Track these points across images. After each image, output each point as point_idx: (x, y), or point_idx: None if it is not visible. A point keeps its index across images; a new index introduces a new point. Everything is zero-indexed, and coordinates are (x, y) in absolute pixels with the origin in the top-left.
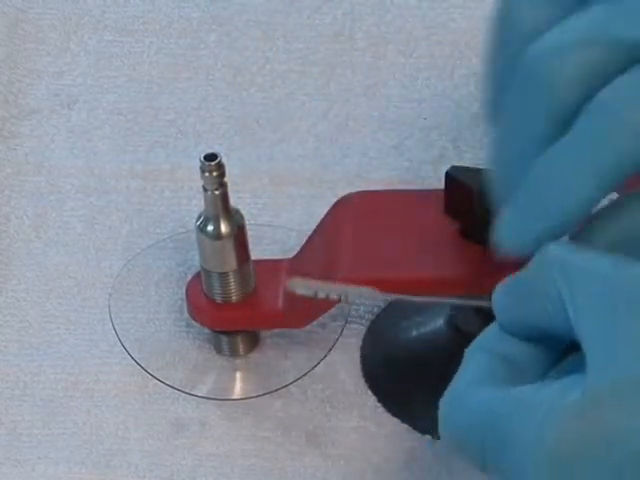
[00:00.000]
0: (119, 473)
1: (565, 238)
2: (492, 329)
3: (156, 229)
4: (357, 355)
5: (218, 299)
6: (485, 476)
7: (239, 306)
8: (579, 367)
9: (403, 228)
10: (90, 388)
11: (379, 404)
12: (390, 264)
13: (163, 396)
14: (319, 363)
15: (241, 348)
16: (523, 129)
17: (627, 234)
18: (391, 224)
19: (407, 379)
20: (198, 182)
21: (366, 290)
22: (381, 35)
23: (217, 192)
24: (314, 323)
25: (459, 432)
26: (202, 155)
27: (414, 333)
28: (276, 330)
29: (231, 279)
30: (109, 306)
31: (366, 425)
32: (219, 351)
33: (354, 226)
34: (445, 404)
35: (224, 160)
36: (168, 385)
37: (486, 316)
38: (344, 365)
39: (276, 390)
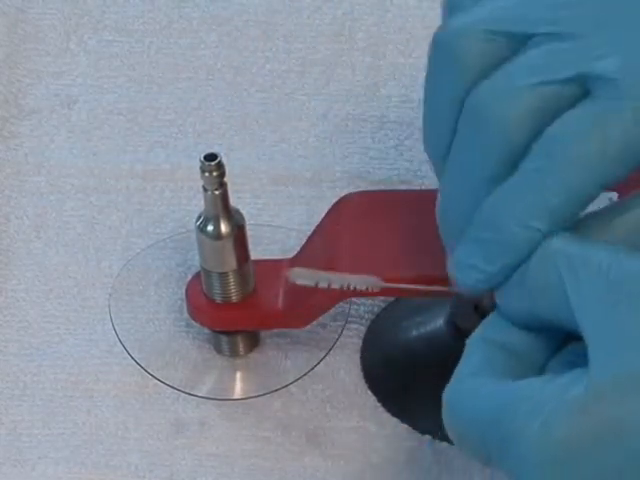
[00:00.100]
0: (119, 473)
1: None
2: (492, 319)
3: (156, 229)
4: (357, 355)
5: (218, 299)
6: (485, 476)
7: (239, 306)
8: (580, 357)
9: (403, 228)
10: (90, 388)
11: (379, 404)
12: (390, 264)
13: (163, 396)
14: (319, 363)
15: (241, 348)
16: (473, 172)
17: (632, 232)
18: (391, 224)
19: (407, 379)
20: (198, 182)
21: (368, 279)
22: (381, 35)
23: (217, 192)
24: (314, 323)
25: (462, 426)
26: (202, 155)
27: (414, 333)
28: (276, 330)
29: (231, 279)
30: (109, 306)
31: (366, 425)
32: (219, 351)
33: (354, 226)
34: (448, 397)
35: (224, 160)
36: (168, 385)
37: (486, 315)
38: (344, 365)
39: (276, 390)
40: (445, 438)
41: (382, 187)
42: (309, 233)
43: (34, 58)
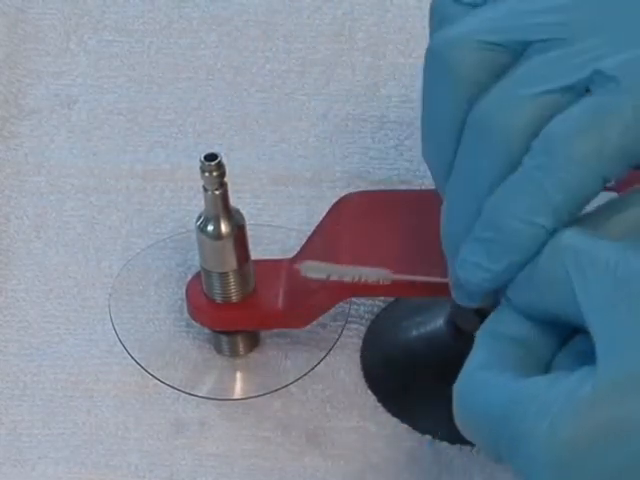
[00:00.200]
0: (119, 473)
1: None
2: (501, 312)
3: (156, 229)
4: (357, 355)
5: (218, 299)
6: (485, 476)
7: (239, 306)
8: (588, 349)
9: (403, 228)
10: (90, 388)
11: (379, 404)
12: (390, 264)
13: (163, 396)
14: (319, 363)
15: (241, 348)
16: (478, 183)
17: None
18: (391, 224)
19: (407, 379)
20: (198, 182)
21: (379, 271)
22: (381, 35)
23: (217, 192)
24: (314, 323)
25: (473, 422)
26: (202, 155)
27: (414, 333)
28: (276, 330)
29: (231, 279)
30: (109, 306)
31: (366, 425)
32: (219, 351)
33: (354, 226)
34: (458, 391)
35: (224, 160)
36: (168, 385)
37: (486, 315)
38: (344, 365)
39: (276, 390)
40: (445, 438)
41: (382, 187)
42: (309, 233)
43: (34, 58)
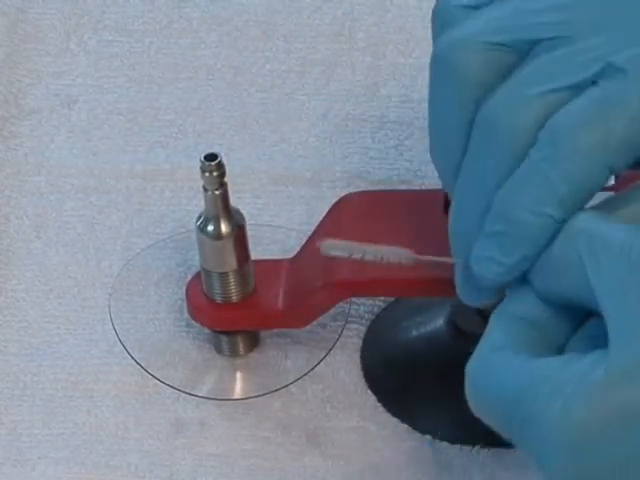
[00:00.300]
0: (119, 473)
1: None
2: (519, 294)
3: (156, 229)
4: (357, 355)
5: (218, 299)
6: (485, 476)
7: (239, 306)
8: (602, 332)
9: (403, 228)
10: (90, 388)
11: (379, 404)
12: (390, 264)
13: (163, 396)
14: (319, 363)
15: (241, 348)
16: (487, 184)
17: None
18: (391, 224)
19: (407, 379)
20: (198, 182)
21: (401, 251)
22: (381, 35)
23: (217, 192)
24: (314, 323)
25: (485, 402)
26: (202, 155)
27: (414, 333)
28: (276, 330)
29: (231, 279)
30: (109, 306)
31: (366, 425)
32: (219, 351)
33: (354, 226)
34: (471, 371)
35: (224, 160)
36: (168, 385)
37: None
38: (344, 365)
39: (276, 390)
40: (445, 438)
41: (382, 187)
42: (309, 233)
43: (34, 58)
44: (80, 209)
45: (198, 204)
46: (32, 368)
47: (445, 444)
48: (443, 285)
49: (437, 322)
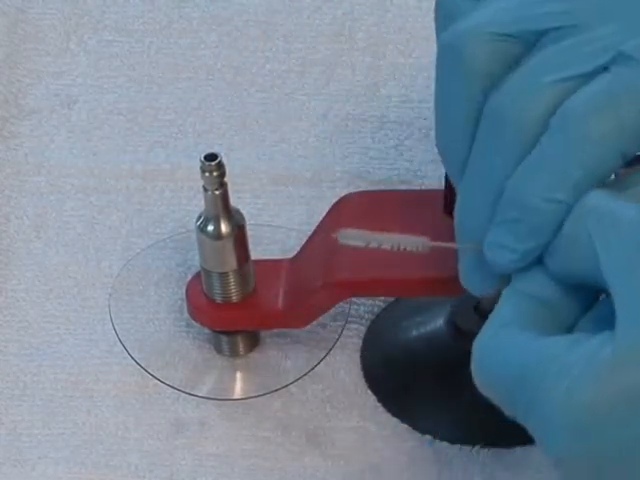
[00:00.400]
0: (119, 473)
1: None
2: (532, 272)
3: (156, 229)
4: (357, 355)
5: (218, 299)
6: (485, 476)
7: (239, 306)
8: (611, 314)
9: (403, 228)
10: (90, 388)
11: (379, 404)
12: (390, 264)
13: (163, 396)
14: (319, 363)
15: (241, 348)
16: (496, 174)
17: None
18: (391, 224)
19: (407, 379)
20: (198, 182)
21: (417, 239)
22: (381, 35)
23: (217, 192)
24: (314, 323)
25: (491, 379)
26: (202, 155)
27: (414, 333)
28: (276, 330)
29: (231, 279)
30: (109, 306)
31: (366, 425)
32: (219, 351)
33: (354, 226)
34: (478, 347)
35: (224, 160)
36: (168, 385)
37: (485, 315)
38: (344, 365)
39: (276, 390)
40: (445, 438)
41: (382, 187)
42: (309, 233)
43: (34, 58)
44: (80, 209)
45: (198, 204)
46: (32, 368)
47: (445, 444)
48: (443, 285)
49: (437, 322)
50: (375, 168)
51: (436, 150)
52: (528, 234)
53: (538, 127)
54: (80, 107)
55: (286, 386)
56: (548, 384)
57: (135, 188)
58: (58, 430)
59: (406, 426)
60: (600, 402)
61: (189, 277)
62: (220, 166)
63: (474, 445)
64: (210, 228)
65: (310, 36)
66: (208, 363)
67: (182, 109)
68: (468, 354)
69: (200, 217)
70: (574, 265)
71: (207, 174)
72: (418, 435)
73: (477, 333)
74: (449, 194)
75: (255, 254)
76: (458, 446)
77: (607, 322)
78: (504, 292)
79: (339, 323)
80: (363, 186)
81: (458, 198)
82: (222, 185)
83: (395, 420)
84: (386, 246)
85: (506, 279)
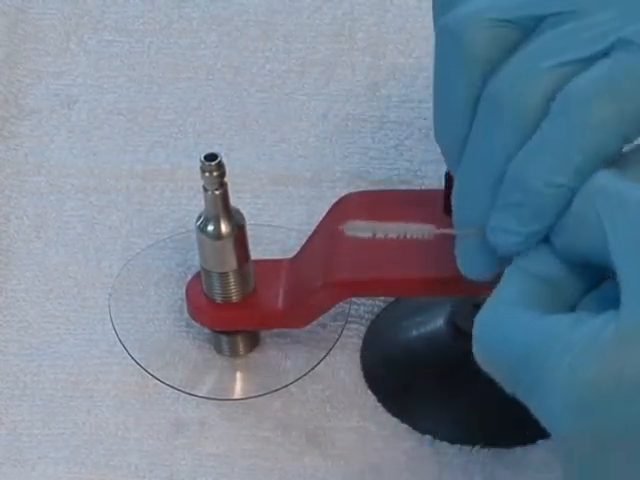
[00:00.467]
0: (119, 473)
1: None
2: (537, 250)
3: (156, 229)
4: (357, 355)
5: (218, 299)
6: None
7: (239, 306)
8: (614, 297)
9: None
10: (90, 388)
11: (379, 404)
12: (390, 264)
13: (163, 396)
14: (319, 363)
15: (241, 348)
16: (494, 160)
17: None
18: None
19: (407, 379)
20: (198, 182)
21: (422, 227)
22: (381, 35)
23: (217, 192)
24: (314, 323)
25: (492, 356)
26: (202, 155)
27: (414, 333)
28: (276, 330)
29: (231, 279)
30: (109, 306)
31: (366, 425)
32: (219, 351)
33: None
34: (480, 323)
35: (224, 160)
36: (168, 385)
37: None
38: (344, 365)
39: (276, 390)
40: (445, 438)
41: (382, 187)
42: (309, 233)
43: (34, 58)
44: (80, 209)
45: (198, 204)
46: (32, 368)
47: (445, 444)
48: (443, 285)
49: (437, 322)
50: (375, 168)
51: (437, 150)
52: (531, 217)
53: (537, 112)
54: (80, 107)
55: (286, 386)
56: (551, 363)
57: (135, 188)
58: (58, 430)
59: (406, 426)
60: (604, 379)
61: (189, 277)
62: (220, 166)
63: (474, 445)
64: (210, 228)
65: (310, 36)
66: (208, 363)
67: (182, 109)
68: (468, 354)
69: (200, 217)
70: (581, 243)
71: (207, 174)
72: (418, 435)
73: None
74: (449, 194)
75: (255, 254)
76: (458, 446)
77: (611, 302)
78: (507, 270)
79: (339, 323)
80: (363, 186)
81: (456, 184)
82: (222, 185)
83: (395, 420)
84: (392, 235)
85: (506, 262)
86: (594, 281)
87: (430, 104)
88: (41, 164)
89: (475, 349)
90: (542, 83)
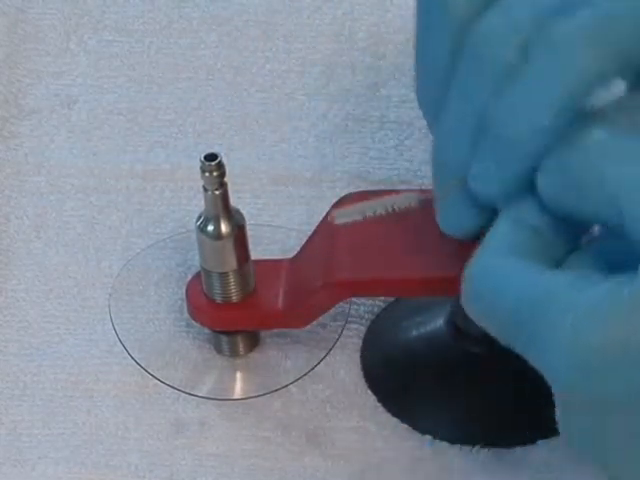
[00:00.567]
0: (119, 473)
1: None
2: (524, 201)
3: (156, 229)
4: (357, 355)
5: (218, 299)
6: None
7: (239, 306)
8: (607, 261)
9: (403, 228)
10: (90, 388)
11: (379, 404)
12: (390, 264)
13: (163, 396)
14: (319, 363)
15: (241, 348)
16: (474, 98)
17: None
18: (391, 224)
19: (407, 379)
20: (198, 182)
21: (409, 194)
22: (381, 35)
23: (217, 192)
24: (314, 323)
25: (485, 308)
26: (202, 155)
27: (414, 333)
28: (276, 330)
29: (231, 279)
30: (109, 306)
31: (366, 425)
32: (219, 351)
33: (354, 226)
34: (473, 274)
35: (224, 160)
36: (168, 385)
37: None
38: (344, 365)
39: (276, 390)
40: (445, 438)
41: (382, 187)
42: (309, 233)
43: (34, 58)
44: (80, 209)
45: (198, 204)
46: (32, 368)
47: (445, 444)
48: (443, 285)
49: (437, 322)
50: (375, 168)
51: None
52: (512, 160)
53: (515, 59)
54: (80, 107)
55: (286, 386)
56: (551, 319)
57: (135, 188)
58: (58, 430)
59: (406, 426)
60: (611, 345)
61: (189, 277)
62: (220, 166)
63: (474, 445)
64: (210, 228)
65: (310, 36)
66: (208, 363)
67: (182, 109)
68: (468, 354)
69: (200, 217)
70: (577, 199)
71: (207, 174)
72: (418, 435)
73: (477, 333)
74: None
75: (255, 254)
76: (458, 446)
77: (602, 265)
78: (497, 220)
79: (339, 323)
80: (363, 186)
81: (435, 138)
82: (222, 185)
83: (395, 420)
84: (381, 211)
85: (489, 216)
86: (576, 239)
87: None
88: (41, 164)
89: (465, 300)
90: (519, 31)
